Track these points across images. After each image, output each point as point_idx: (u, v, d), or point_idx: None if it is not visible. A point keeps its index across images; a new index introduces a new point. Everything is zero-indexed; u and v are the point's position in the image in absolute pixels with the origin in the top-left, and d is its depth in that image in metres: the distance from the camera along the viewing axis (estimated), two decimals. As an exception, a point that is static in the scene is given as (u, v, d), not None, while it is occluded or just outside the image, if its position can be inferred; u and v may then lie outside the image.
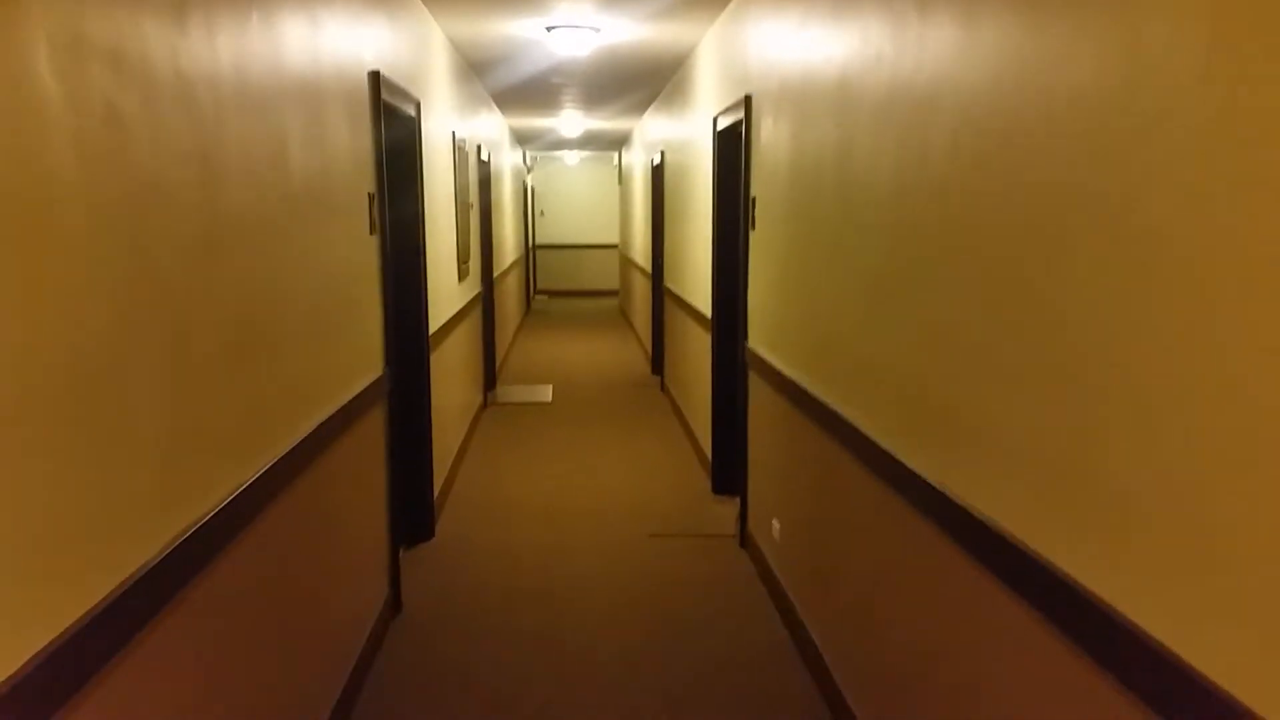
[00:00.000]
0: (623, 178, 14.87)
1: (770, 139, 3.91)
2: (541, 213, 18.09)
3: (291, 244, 2.59)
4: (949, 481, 2.12)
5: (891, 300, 2.49)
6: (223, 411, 2.09)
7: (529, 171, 16.07)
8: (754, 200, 4.28)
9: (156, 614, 1.75)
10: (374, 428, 3.61)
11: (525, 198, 15.14)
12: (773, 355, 3.95)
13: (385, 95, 3.73)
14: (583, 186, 18.10)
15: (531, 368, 10.17)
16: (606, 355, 11.06)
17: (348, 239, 3.22)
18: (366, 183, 3.49)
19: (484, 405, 7.97)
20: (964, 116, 2.00)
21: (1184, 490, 1.32)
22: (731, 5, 4.83)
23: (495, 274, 8.99)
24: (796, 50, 3.45)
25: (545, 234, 18.22)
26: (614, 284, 17.77)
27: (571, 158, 17.63)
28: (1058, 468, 1.65)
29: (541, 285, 18.35)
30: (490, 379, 8.49)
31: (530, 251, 16.62)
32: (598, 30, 5.24)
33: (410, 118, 4.35)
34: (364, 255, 3.46)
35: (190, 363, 1.93)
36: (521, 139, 13.30)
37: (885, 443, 2.52)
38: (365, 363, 3.46)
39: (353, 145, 3.29)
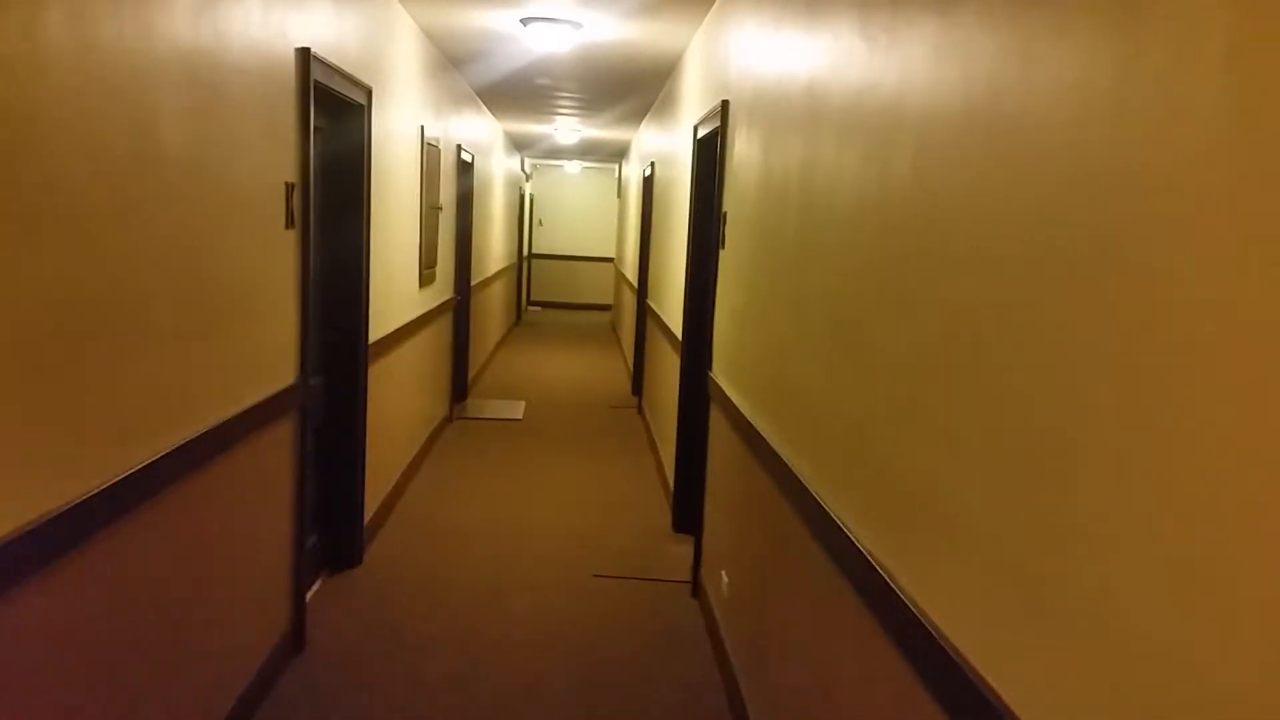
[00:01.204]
0: (621, 190, 14.54)
1: (743, 149, 3.54)
2: (539, 222, 17.73)
3: (157, 233, 2.22)
4: (898, 572, 1.73)
5: (844, 346, 2.11)
6: (21, 424, 1.71)
7: (527, 179, 15.71)
8: (725, 216, 3.90)
9: None
10: (279, 442, 3.22)
11: (521, 205, 14.78)
12: (731, 389, 3.56)
13: (319, 77, 3.36)
14: (583, 198, 17.74)
15: (510, 381, 9.78)
16: (589, 372, 10.67)
17: (252, 232, 2.85)
18: (285, 171, 3.12)
19: (449, 419, 7.58)
20: (923, 141, 1.63)
21: (1178, 642, 0.94)
22: (717, 4, 4.46)
23: (475, 281, 8.62)
24: (770, 53, 3.08)
25: (542, 244, 17.85)
26: (609, 298, 17.40)
27: (572, 167, 17.28)
28: (1019, 581, 1.27)
29: (536, 296, 17.96)
30: (460, 391, 8.11)
31: (524, 261, 16.24)
32: (579, 26, 4.88)
33: (358, 106, 3.98)
34: (276, 251, 3.08)
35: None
36: (518, 145, 12.95)
37: (832, 508, 2.13)
38: (270, 370, 3.08)
39: (267, 129, 2.92)
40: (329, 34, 3.54)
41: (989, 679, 1.33)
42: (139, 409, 2.19)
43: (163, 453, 2.29)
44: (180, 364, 2.40)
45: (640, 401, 8.40)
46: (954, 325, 1.51)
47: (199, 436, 2.50)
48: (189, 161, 2.37)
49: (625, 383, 9.90)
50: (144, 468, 2.19)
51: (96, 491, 1.99)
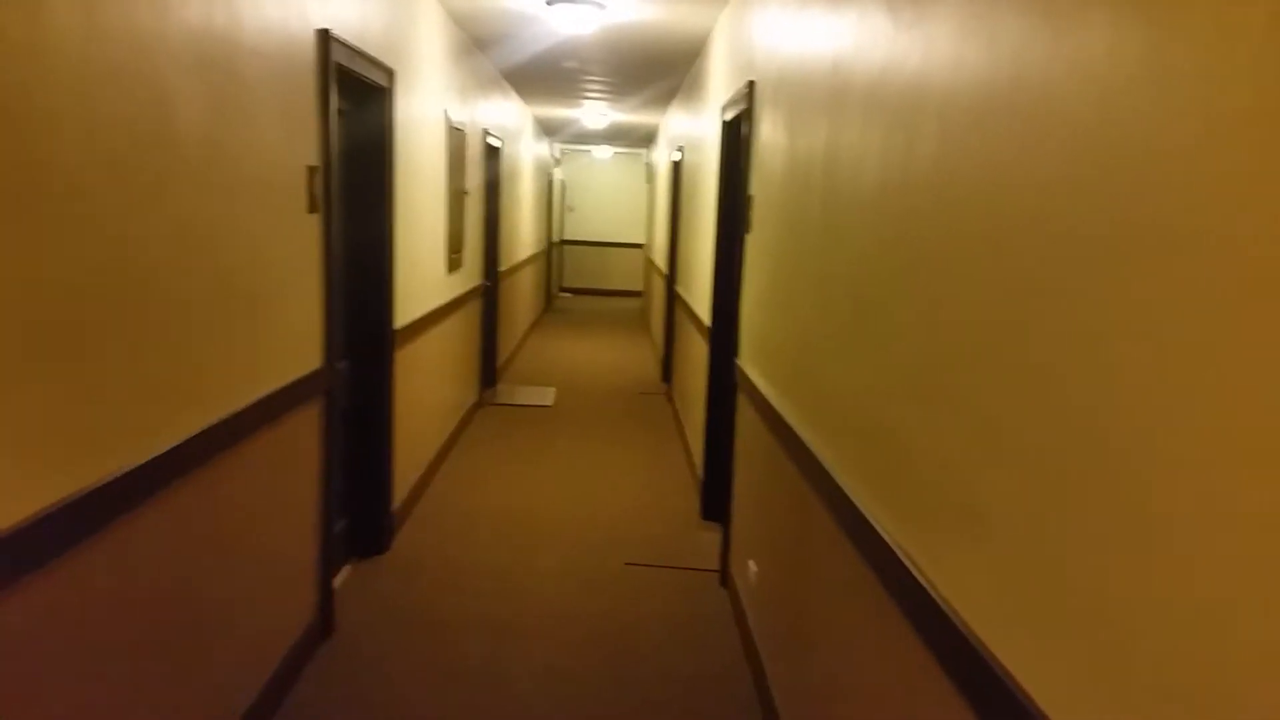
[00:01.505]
0: (650, 175, 14.46)
1: (769, 131, 3.47)
2: (570, 208, 17.68)
3: (172, 217, 2.20)
4: (931, 572, 1.68)
5: (867, 330, 2.05)
6: (18, 413, 1.70)
7: (557, 164, 15.67)
8: (751, 200, 3.84)
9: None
10: (305, 426, 3.21)
11: (551, 191, 14.75)
12: (757, 376, 3.51)
13: (339, 59, 3.33)
14: (613, 183, 17.66)
15: (540, 367, 9.77)
16: (619, 359, 10.63)
17: (272, 216, 2.82)
18: (306, 155, 3.09)
19: (479, 405, 7.58)
20: (947, 119, 1.56)
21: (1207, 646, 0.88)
22: (744, -15, 4.39)
23: (504, 267, 8.60)
24: (795, 33, 3.01)
25: (573, 230, 17.81)
26: (640, 285, 17.34)
27: (603, 153, 17.21)
28: (1044, 572, 1.21)
29: (567, 282, 17.92)
30: (490, 377, 8.10)
31: (555, 247, 16.22)
32: (602, 6, 4.82)
33: (380, 88, 3.95)
34: (298, 235, 3.06)
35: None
36: (548, 130, 12.91)
37: (857, 496, 2.08)
38: (294, 354, 3.06)
39: (287, 112, 2.89)
40: (349, 15, 3.51)
41: (1014, 671, 1.28)
42: (160, 393, 2.17)
43: (185, 437, 2.28)
44: (202, 348, 2.38)
45: (670, 388, 8.36)
46: (979, 309, 1.45)
47: (221, 421, 2.48)
48: (206, 145, 2.35)
49: (655, 369, 9.86)
50: (167, 452, 2.18)
51: (119, 475, 1.97)
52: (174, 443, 2.22)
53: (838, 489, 2.19)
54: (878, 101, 2.05)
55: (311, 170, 3.13)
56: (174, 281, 2.23)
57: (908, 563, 1.71)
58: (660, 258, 10.51)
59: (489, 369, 8.06)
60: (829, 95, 2.51)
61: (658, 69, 7.15)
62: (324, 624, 3.50)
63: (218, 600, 2.59)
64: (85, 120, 1.84)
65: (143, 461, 2.08)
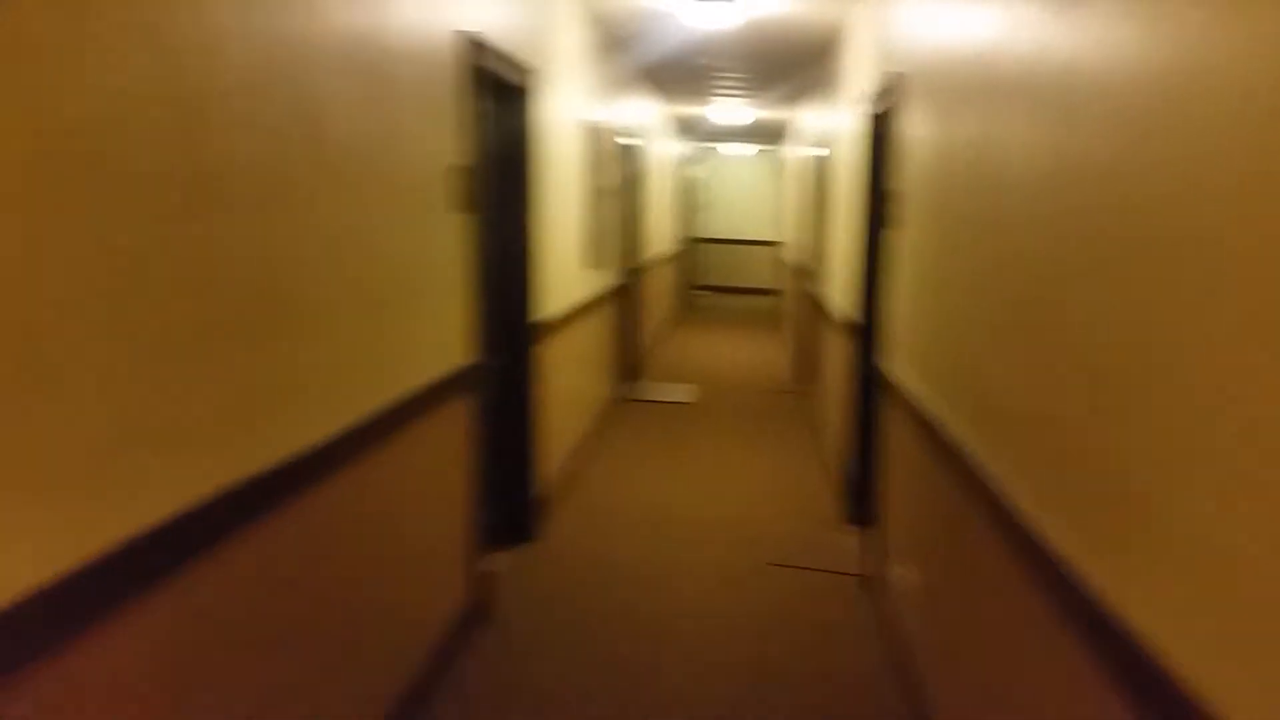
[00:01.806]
0: (783, 172, 14.29)
1: (917, 123, 3.34)
2: (705, 206, 17.62)
3: (325, 216, 2.25)
4: (1099, 578, 1.57)
5: (1030, 329, 1.93)
6: (192, 403, 1.76)
7: (692, 163, 15.65)
8: (896, 194, 3.71)
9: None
10: (454, 419, 3.27)
11: (686, 190, 14.74)
12: (906, 376, 3.38)
13: (480, 60, 3.37)
14: (746, 180, 17.52)
15: (677, 364, 9.76)
16: (754, 356, 10.54)
17: (420, 215, 2.88)
18: (450, 155, 3.14)
19: (619, 400, 7.62)
20: (1114, 109, 1.44)
21: None
22: (888, -29, 4.25)
23: (641, 265, 8.63)
24: (944, 20, 2.88)
25: (709, 228, 17.74)
26: (775, 283, 17.16)
27: (736, 150, 17.09)
28: (1248, 593, 1.10)
29: (703, 280, 17.87)
30: (629, 373, 8.13)
31: (691, 245, 16.20)
32: (736, 0, 4.76)
33: (520, 89, 4.00)
34: (444, 234, 3.11)
35: (154, 345, 1.61)
36: (682, 128, 12.90)
37: (1032, 521, 1.96)
38: (442, 349, 3.12)
39: (430, 112, 2.94)
40: (491, 17, 3.55)
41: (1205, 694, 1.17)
42: (317, 387, 2.23)
43: (341, 429, 2.34)
44: (355, 345, 2.43)
45: (805, 387, 8.23)
46: (1160, 309, 1.34)
47: (375, 414, 2.54)
48: (355, 147, 2.40)
49: (790, 367, 9.73)
50: (327, 444, 2.24)
51: (277, 466, 2.03)
52: (330, 434, 2.28)
53: (1001, 499, 2.08)
54: (1037, 89, 1.93)
55: (456, 170, 3.18)
56: (326, 281, 2.28)
57: (1080, 579, 1.60)
58: (794, 255, 10.37)
59: (628, 364, 8.09)
60: (981, 84, 2.39)
61: (791, 64, 7.04)
62: (478, 609, 3.58)
63: (375, 586, 2.65)
64: (246, 125, 1.89)
65: (300, 452, 2.14)
